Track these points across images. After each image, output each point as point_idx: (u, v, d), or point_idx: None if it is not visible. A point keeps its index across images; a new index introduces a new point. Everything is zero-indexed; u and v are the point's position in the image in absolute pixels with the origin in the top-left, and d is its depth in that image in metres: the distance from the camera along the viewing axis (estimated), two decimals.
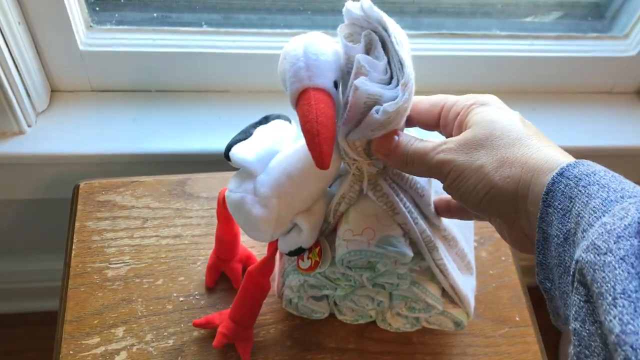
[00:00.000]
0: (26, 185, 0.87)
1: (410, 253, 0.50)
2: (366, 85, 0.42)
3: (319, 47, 0.44)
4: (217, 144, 0.83)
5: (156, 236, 0.69)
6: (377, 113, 0.42)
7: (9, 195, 0.90)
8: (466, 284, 0.56)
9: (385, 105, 0.41)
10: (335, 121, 0.43)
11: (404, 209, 0.50)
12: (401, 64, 0.42)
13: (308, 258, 0.53)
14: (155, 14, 0.84)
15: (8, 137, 0.79)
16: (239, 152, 0.50)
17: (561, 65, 0.90)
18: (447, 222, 0.54)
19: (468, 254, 0.57)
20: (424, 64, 0.87)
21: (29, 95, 0.78)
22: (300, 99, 0.43)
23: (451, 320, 0.58)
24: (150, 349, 0.61)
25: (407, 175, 0.50)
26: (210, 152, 0.82)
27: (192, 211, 0.71)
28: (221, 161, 0.84)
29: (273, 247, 0.56)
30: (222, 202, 0.58)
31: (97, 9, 0.81)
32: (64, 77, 0.83)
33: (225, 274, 0.66)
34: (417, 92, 0.45)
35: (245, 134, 0.52)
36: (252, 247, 0.68)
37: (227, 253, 0.64)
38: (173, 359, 0.61)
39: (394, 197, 0.49)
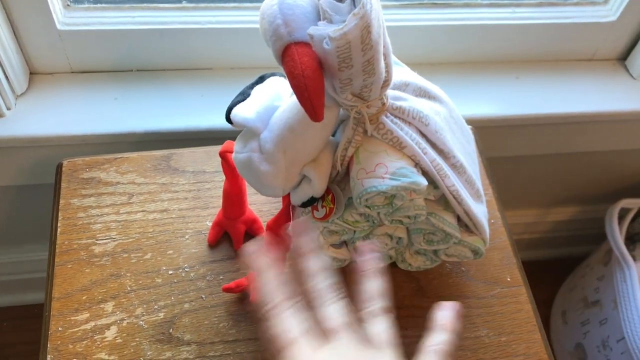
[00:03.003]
0: (8, 170, 0.85)
1: (424, 182, 0.50)
2: (319, 30, 0.42)
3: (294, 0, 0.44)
4: (200, 122, 0.82)
5: (143, 211, 0.68)
6: (327, 44, 0.41)
7: None
8: (479, 211, 0.57)
9: (329, 31, 0.41)
10: (321, 72, 0.44)
11: (410, 141, 0.51)
12: None
13: (322, 207, 0.54)
14: None
15: None
16: (239, 112, 0.51)
17: (543, 33, 0.90)
18: (455, 150, 0.55)
19: (476, 181, 0.58)
20: (405, 35, 0.86)
21: (7, 78, 0.77)
22: (285, 56, 0.44)
23: (469, 249, 0.59)
24: (141, 322, 0.60)
25: (406, 106, 0.51)
26: (193, 129, 0.81)
27: (179, 185, 0.70)
28: (205, 139, 0.84)
29: (287, 199, 0.57)
30: (222, 158, 0.59)
31: None
32: (43, 58, 0.81)
33: (228, 233, 0.67)
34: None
35: (243, 95, 0.53)
36: (261, 211, 0.68)
37: (233, 210, 0.65)
38: (164, 331, 0.60)
39: (398, 132, 0.50)
